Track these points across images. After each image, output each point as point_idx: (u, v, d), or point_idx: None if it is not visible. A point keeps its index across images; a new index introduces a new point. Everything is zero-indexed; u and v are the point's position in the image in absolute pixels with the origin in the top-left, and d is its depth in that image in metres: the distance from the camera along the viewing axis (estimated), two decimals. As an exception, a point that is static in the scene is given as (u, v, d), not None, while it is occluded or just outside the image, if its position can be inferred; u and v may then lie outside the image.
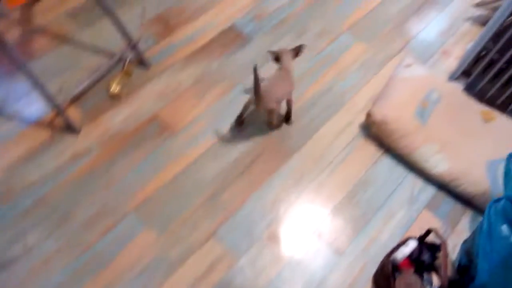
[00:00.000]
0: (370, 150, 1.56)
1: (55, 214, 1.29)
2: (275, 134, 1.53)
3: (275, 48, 1.62)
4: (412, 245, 1.23)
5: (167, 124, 1.49)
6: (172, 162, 1.43)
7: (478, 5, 1.92)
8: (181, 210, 1.35)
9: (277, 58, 1.49)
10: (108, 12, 1.43)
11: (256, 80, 1.32)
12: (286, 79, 1.46)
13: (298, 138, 1.54)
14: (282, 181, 1.45)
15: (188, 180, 1.41)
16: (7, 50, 1.26)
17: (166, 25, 1.70)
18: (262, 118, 1.55)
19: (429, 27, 1.90)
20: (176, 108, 1.53)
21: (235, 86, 1.61)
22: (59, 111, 1.38)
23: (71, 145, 1.41)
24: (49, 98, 1.34)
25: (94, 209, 1.31)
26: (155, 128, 1.48)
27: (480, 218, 1.32)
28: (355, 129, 1.60)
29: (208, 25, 1.73)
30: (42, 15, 1.63)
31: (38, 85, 1.32)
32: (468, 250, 1.24)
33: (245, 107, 1.49)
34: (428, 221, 1.42)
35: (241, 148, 1.49)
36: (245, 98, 1.58)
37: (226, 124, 1.53)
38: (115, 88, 1.50)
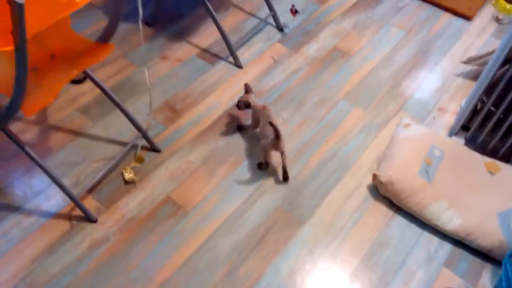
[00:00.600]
0: (381, 211, 1.58)
1: (76, 305, 1.31)
2: (285, 204, 1.57)
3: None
4: (434, 306, 1.21)
5: (180, 204, 1.54)
6: (187, 241, 1.46)
7: (466, 62, 2.02)
8: (199, 290, 1.36)
9: (247, 105, 1.68)
10: (118, 105, 1.54)
11: (275, 126, 1.53)
12: (271, 115, 1.62)
13: (307, 206, 1.57)
14: (297, 251, 1.46)
15: (204, 258, 1.43)
16: (25, 150, 1.35)
17: (173, 110, 1.81)
18: (274, 188, 1.60)
19: (422, 87, 1.99)
20: (187, 188, 1.59)
21: (242, 162, 1.67)
22: (76, 202, 1.44)
23: (89, 234, 1.45)
24: (66, 191, 1.41)
25: (113, 297, 1.33)
26: (169, 210, 1.53)
27: (501, 272, 1.30)
28: (363, 191, 1.63)
29: (212, 107, 1.84)
30: (56, 114, 1.76)
31: (55, 179, 1.39)
32: (492, 307, 1.21)
33: (266, 153, 1.62)
34: (449, 279, 1.40)
35: (253, 221, 1.52)
36: (252, 172, 1.64)
37: (236, 199, 1.57)
38: (129, 175, 1.57)
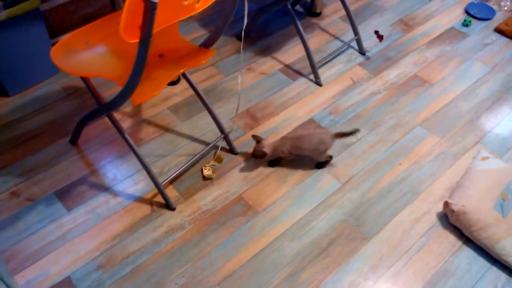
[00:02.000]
0: (449, 239, 1.56)
1: (149, 282, 1.42)
2: (351, 219, 1.60)
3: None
4: None
5: (250, 205, 1.63)
6: (254, 240, 1.54)
7: (553, 102, 1.95)
8: (261, 287, 1.42)
9: (262, 155, 1.65)
10: (207, 106, 1.67)
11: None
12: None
13: (374, 224, 1.59)
14: (359, 266, 1.49)
15: (269, 258, 1.49)
16: (123, 136, 1.51)
17: (253, 118, 1.92)
18: (343, 205, 1.64)
19: (503, 123, 1.95)
20: (259, 191, 1.67)
21: (312, 173, 1.73)
22: (160, 190, 1.57)
23: (167, 220, 1.57)
24: (153, 178, 1.55)
25: (183, 281, 1.43)
26: (240, 208, 1.62)
27: None
28: (432, 218, 1.62)
29: (289, 118, 1.93)
30: (148, 110, 1.93)
31: (145, 166, 1.53)
32: None
33: (327, 152, 1.71)
34: (517, 317, 1.36)
35: (318, 231, 1.57)
36: (322, 184, 1.70)
37: (304, 207, 1.63)
38: (208, 172, 1.69)
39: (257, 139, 1.69)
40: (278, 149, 1.68)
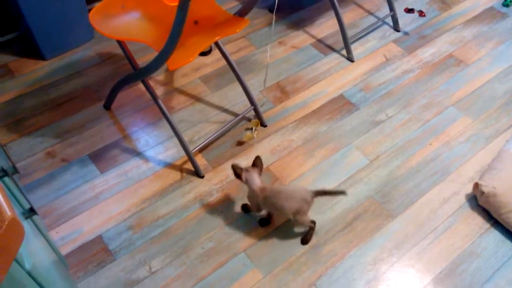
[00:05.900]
0: (477, 221, 1.55)
1: (177, 245, 1.47)
2: (378, 195, 1.60)
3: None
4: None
5: (277, 177, 1.65)
6: (280, 211, 1.56)
7: None
8: (285, 256, 1.45)
9: (237, 175, 1.42)
10: (238, 77, 1.68)
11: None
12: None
13: (400, 202, 1.59)
14: (383, 242, 1.49)
15: (293, 229, 1.51)
16: (157, 101, 1.54)
17: (283, 91, 1.92)
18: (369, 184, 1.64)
19: (541, 107, 1.89)
20: (286, 164, 1.69)
21: (340, 149, 1.73)
22: (190, 157, 1.60)
23: (195, 187, 1.61)
24: (184, 145, 1.58)
25: (210, 245, 1.47)
26: (267, 180, 1.63)
27: None
28: (461, 199, 1.61)
29: (319, 93, 1.92)
30: (180, 79, 1.95)
31: (177, 133, 1.56)
32: None
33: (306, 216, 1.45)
34: (542, 301, 1.35)
35: (344, 205, 1.58)
36: (349, 160, 1.70)
37: (331, 181, 1.64)
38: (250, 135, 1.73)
39: (255, 163, 1.44)
40: (252, 195, 1.45)
